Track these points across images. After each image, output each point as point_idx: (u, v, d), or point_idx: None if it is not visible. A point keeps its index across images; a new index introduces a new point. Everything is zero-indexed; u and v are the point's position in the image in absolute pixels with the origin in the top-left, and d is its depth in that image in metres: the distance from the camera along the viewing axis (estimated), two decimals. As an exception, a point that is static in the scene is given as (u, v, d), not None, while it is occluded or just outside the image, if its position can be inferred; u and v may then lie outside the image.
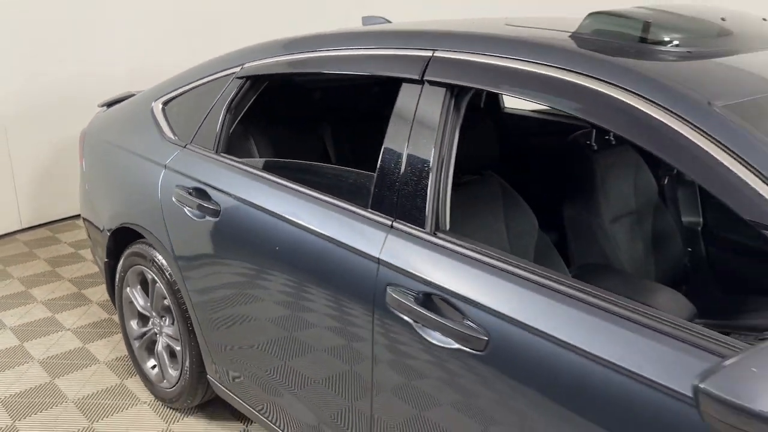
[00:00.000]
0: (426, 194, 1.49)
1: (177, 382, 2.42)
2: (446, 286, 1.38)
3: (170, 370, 2.47)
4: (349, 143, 2.65)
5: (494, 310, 1.29)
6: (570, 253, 2.33)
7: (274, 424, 2.01)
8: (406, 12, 3.99)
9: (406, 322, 1.43)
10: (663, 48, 1.42)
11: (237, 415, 2.50)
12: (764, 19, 1.77)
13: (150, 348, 2.59)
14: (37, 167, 4.37)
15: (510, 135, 2.90)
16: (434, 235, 1.47)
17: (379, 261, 1.51)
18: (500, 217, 1.99)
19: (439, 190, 1.49)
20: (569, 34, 1.50)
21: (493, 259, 1.35)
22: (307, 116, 2.66)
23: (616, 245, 2.26)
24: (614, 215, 2.30)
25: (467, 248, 1.40)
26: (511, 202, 2.01)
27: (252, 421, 2.47)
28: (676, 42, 1.43)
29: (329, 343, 1.66)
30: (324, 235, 1.65)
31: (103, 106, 2.94)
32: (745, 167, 1.08)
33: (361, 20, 2.53)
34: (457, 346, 1.34)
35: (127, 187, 2.42)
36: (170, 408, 2.54)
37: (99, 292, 3.50)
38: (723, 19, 1.56)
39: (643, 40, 1.42)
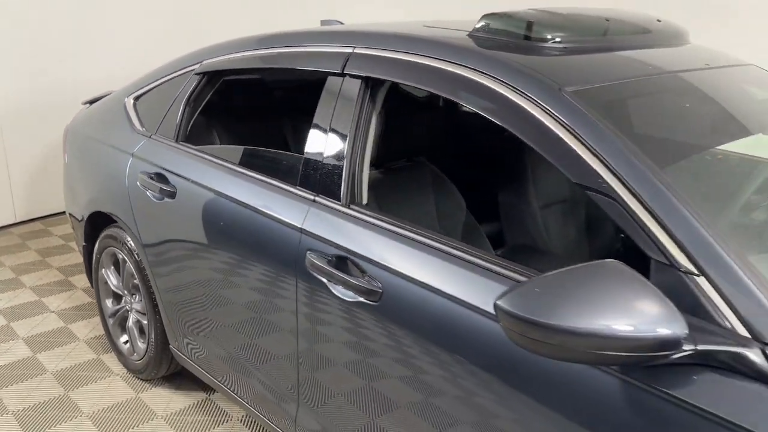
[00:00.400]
0: (342, 173, 1.71)
1: (145, 354, 2.64)
2: (352, 248, 1.59)
3: (139, 344, 2.69)
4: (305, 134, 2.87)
5: (386, 266, 1.50)
6: (505, 236, 2.54)
7: (229, 389, 2.22)
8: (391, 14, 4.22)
9: (321, 281, 1.65)
10: (544, 44, 1.63)
11: (202, 386, 2.71)
12: (659, 20, 1.98)
13: (122, 324, 2.81)
14: (31, 164, 4.61)
15: (467, 129, 3.12)
16: (348, 207, 1.68)
17: (301, 230, 1.73)
18: (430, 199, 2.21)
19: (355, 169, 1.71)
20: (467, 32, 1.72)
21: (393, 225, 1.57)
22: (270, 111, 2.88)
23: (547, 230, 2.46)
24: (545, 202, 2.51)
25: (373, 218, 1.61)
26: (441, 185, 2.23)
27: (214, 390, 2.68)
28: (558, 39, 1.64)
29: (264, 304, 1.87)
30: (259, 210, 1.87)
31: (86, 103, 3.18)
32: (579, 141, 1.29)
33: (320, 22, 2.75)
34: (359, 299, 1.56)
35: (100, 175, 2.65)
36: (140, 379, 2.76)
37: (84, 280, 3.73)
38: (607, 20, 1.77)
39: (527, 37, 1.63)
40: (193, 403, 2.61)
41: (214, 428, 2.46)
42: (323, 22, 2.77)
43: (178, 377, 2.75)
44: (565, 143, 1.30)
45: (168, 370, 2.66)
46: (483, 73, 1.49)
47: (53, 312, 3.36)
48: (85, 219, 2.79)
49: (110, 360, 2.91)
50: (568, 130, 1.31)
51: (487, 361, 1.31)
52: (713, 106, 1.58)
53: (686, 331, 0.99)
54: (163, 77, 2.55)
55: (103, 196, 2.62)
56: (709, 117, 1.54)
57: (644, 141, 1.29)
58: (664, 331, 0.98)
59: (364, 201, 1.73)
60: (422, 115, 2.41)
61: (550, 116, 1.34)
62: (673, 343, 0.99)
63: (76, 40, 4.57)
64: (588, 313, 1.00)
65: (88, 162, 2.77)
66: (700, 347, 1.02)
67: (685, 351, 1.01)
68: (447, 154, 2.63)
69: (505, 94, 1.43)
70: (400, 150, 2.16)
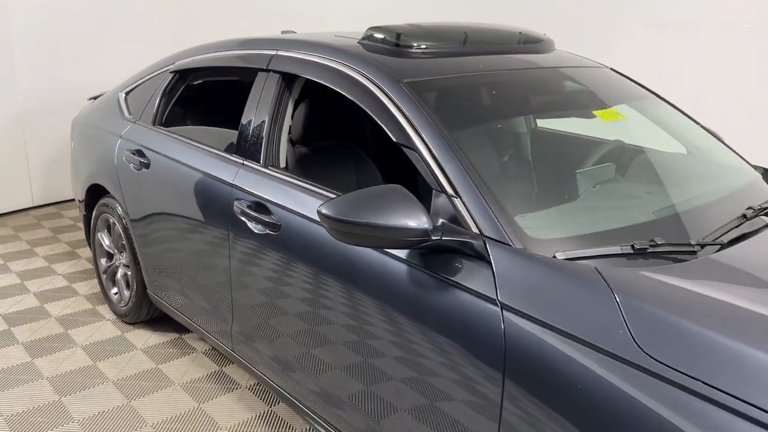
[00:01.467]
0: (263, 143, 2.31)
1: (129, 300, 3.25)
2: (263, 196, 2.18)
3: (125, 292, 3.30)
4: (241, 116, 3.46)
5: (283, 206, 2.09)
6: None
7: (188, 317, 2.82)
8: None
9: (243, 221, 2.24)
10: (410, 50, 2.20)
11: (175, 328, 3.31)
12: (519, 33, 2.55)
13: (113, 278, 3.43)
14: (48, 155, 5.29)
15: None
16: (266, 168, 2.28)
17: (232, 185, 2.33)
18: (352, 174, 2.79)
19: (272, 140, 2.31)
20: (356, 40, 2.31)
21: (291, 179, 2.15)
22: (222, 99, 3.44)
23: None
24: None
25: (280, 174, 2.21)
26: (361, 163, 2.81)
27: (185, 332, 3.28)
28: (423, 45, 2.22)
29: (207, 245, 2.47)
30: (205, 172, 2.47)
31: (90, 99, 3.83)
32: (402, 114, 1.87)
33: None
34: (266, 231, 2.15)
35: (97, 154, 3.28)
36: (125, 322, 3.37)
37: (87, 252, 4.36)
38: (465, 32, 2.35)
39: (397, 44, 2.22)
40: (167, 340, 3.22)
41: (179, 358, 3.05)
42: (283, 32, 3.39)
43: (157, 322, 3.36)
44: (394, 116, 1.88)
45: (148, 315, 3.26)
46: (354, 68, 2.07)
47: (60, 274, 4.00)
48: (84, 191, 3.42)
49: (103, 309, 3.53)
50: (397, 107, 1.89)
51: (320, 251, 1.90)
52: (518, 94, 2.15)
53: (430, 226, 1.56)
54: (147, 75, 3.18)
55: (98, 171, 3.25)
56: (507, 103, 2.12)
57: (446, 115, 1.86)
58: (417, 224, 1.55)
59: (281, 165, 2.32)
60: (347, 103, 3.01)
61: (389, 98, 1.92)
62: (423, 233, 1.56)
63: (86, 49, 5.26)
64: (376, 214, 1.57)
65: (88, 145, 3.41)
66: (445, 238, 1.59)
67: (434, 239, 1.58)
68: (370, 138, 3.21)
69: (365, 83, 2.01)
70: (326, 132, 2.75)
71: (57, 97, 5.19)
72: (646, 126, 2.50)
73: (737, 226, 1.76)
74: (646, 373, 1.25)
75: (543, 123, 2.46)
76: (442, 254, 1.65)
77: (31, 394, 2.72)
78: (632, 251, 1.56)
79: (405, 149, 1.83)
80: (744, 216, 1.85)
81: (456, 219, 1.66)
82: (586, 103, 2.27)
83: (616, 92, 2.42)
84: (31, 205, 5.31)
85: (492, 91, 2.07)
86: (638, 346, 1.28)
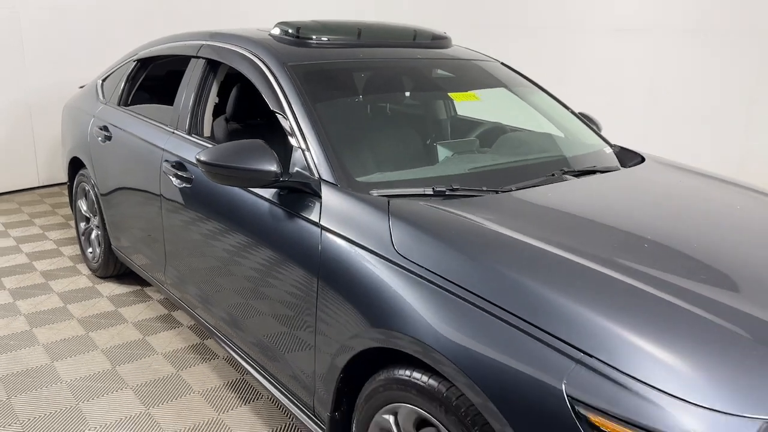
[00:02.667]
0: (188, 115, 2.83)
1: (99, 256, 3.81)
2: (182, 156, 2.71)
3: (97, 250, 3.86)
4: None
5: (193, 163, 2.61)
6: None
7: (138, 264, 3.35)
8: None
9: (170, 177, 2.76)
10: (309, 41, 2.70)
11: (139, 282, 3.86)
12: (414, 30, 3.04)
13: (89, 239, 3.99)
14: (52, 141, 5.90)
15: None
16: (189, 135, 2.80)
17: (163, 150, 2.85)
18: (272, 145, 3.30)
19: (197, 113, 2.83)
20: (267, 33, 2.82)
21: (204, 142, 2.67)
22: (170, 82, 3.91)
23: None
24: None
25: (198, 139, 2.72)
26: (282, 136, 3.31)
27: (148, 284, 3.83)
28: (323, 38, 2.71)
29: (145, 200, 3.00)
30: (146, 140, 3.00)
31: (81, 87, 4.41)
32: (280, 89, 2.36)
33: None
34: (183, 184, 2.67)
35: (77, 131, 3.85)
36: (97, 276, 3.93)
37: (78, 222, 4.94)
38: (359, 30, 2.84)
39: (297, 37, 2.72)
40: (130, 291, 3.76)
41: (136, 304, 3.59)
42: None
43: (125, 276, 3.91)
44: (275, 90, 2.38)
45: (115, 270, 3.81)
46: (255, 54, 2.58)
47: (51, 240, 4.58)
48: (68, 164, 4.00)
49: (82, 267, 4.09)
50: (278, 83, 2.39)
51: (217, 197, 2.40)
52: (384, 77, 2.64)
53: (279, 170, 2.05)
54: (118, 65, 3.75)
55: (77, 145, 3.82)
56: (372, 83, 2.60)
57: (314, 90, 2.35)
58: (269, 168, 2.05)
59: (205, 134, 2.84)
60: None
61: (273, 76, 2.42)
62: (274, 174, 2.05)
63: (86, 51, 5.87)
64: (240, 160, 2.07)
65: (72, 124, 3.98)
66: (292, 180, 2.09)
67: (283, 180, 2.07)
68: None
69: (260, 65, 2.51)
70: (257, 112, 3.25)
71: (61, 89, 5.80)
72: (522, 107, 2.97)
73: (542, 180, 2.21)
74: (397, 266, 1.73)
75: (415, 103, 2.94)
76: (293, 194, 2.15)
77: (8, 325, 3.29)
78: (432, 193, 2.04)
79: (278, 115, 2.33)
80: (552, 174, 2.31)
81: (307, 167, 2.15)
82: (446, 86, 2.75)
83: (486, 79, 2.89)
84: (36, 184, 5.94)
85: (361, 74, 2.57)
86: (395, 248, 1.76)
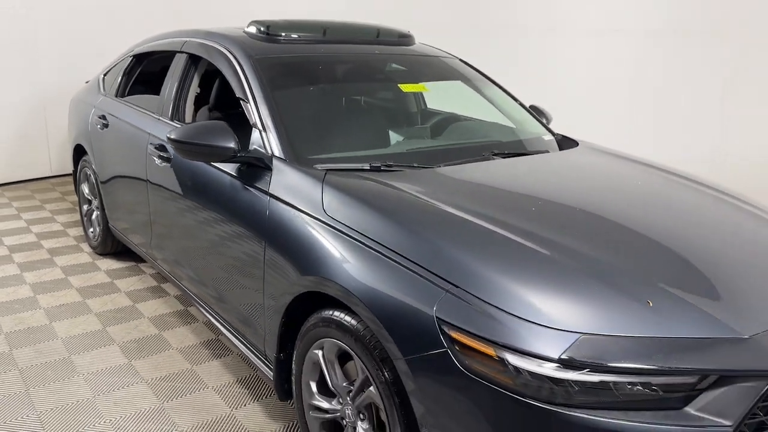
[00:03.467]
0: (171, 104, 3.18)
1: (98, 234, 4.18)
2: (162, 137, 3.06)
3: (97, 229, 4.24)
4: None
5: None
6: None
7: (132, 241, 3.71)
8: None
9: (154, 158, 3.12)
10: (278, 37, 3.04)
11: (134, 258, 4.22)
12: (378, 29, 3.36)
13: (90, 220, 4.37)
14: (64, 133, 6.29)
15: None
16: (171, 120, 3.15)
17: (149, 134, 3.21)
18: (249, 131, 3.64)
19: (179, 102, 3.18)
20: (242, 29, 3.16)
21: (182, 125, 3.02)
22: (161, 74, 4.27)
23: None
24: None
25: (178, 124, 3.08)
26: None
27: (142, 260, 4.19)
28: (293, 35, 3.04)
29: (134, 182, 3.35)
30: (136, 126, 3.36)
31: (87, 82, 4.80)
32: (245, 78, 2.70)
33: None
34: (164, 163, 3.02)
35: (80, 121, 4.23)
36: (97, 253, 4.30)
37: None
38: (325, 29, 3.16)
39: (267, 34, 3.05)
40: (125, 266, 4.13)
41: (130, 276, 3.96)
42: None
43: (122, 254, 4.28)
44: (240, 79, 2.71)
45: (112, 247, 4.18)
46: (227, 48, 2.92)
47: (59, 222, 4.98)
48: (72, 150, 4.38)
49: (84, 246, 4.47)
50: (243, 73, 2.72)
51: (189, 173, 2.74)
52: (340, 69, 2.97)
53: (237, 147, 2.38)
54: (117, 61, 4.12)
55: (80, 133, 4.20)
56: (329, 74, 2.93)
57: (274, 80, 2.68)
58: (228, 145, 2.38)
59: (187, 120, 3.19)
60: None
61: (240, 67, 2.76)
62: (232, 150, 2.38)
63: (96, 49, 6.27)
64: (204, 138, 2.40)
65: (76, 114, 4.37)
66: (249, 155, 2.42)
67: (240, 155, 2.40)
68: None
69: (230, 58, 2.85)
70: (234, 102, 3.60)
71: (72, 84, 6.20)
72: (477, 99, 3.29)
73: (470, 159, 2.52)
74: (325, 224, 2.06)
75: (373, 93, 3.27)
76: (251, 168, 2.48)
77: (14, 292, 3.67)
78: (369, 168, 2.36)
79: (242, 102, 2.67)
80: (482, 155, 2.62)
81: (263, 145, 2.49)
82: (397, 79, 3.07)
83: (443, 73, 3.21)
84: (49, 174, 6.36)
85: (319, 67, 2.90)
86: (324, 210, 2.09)
